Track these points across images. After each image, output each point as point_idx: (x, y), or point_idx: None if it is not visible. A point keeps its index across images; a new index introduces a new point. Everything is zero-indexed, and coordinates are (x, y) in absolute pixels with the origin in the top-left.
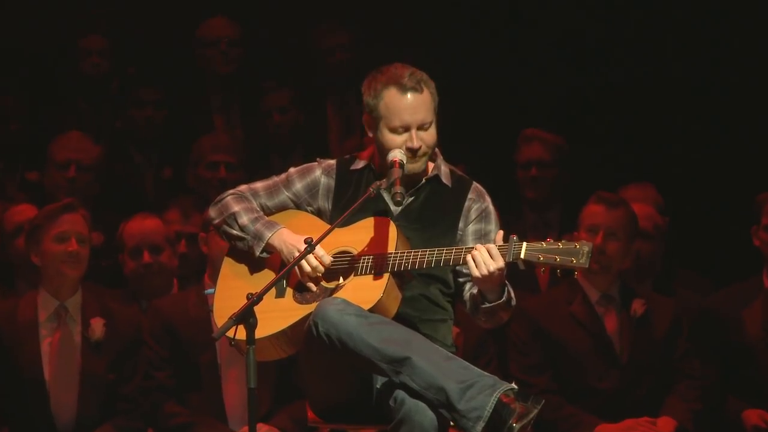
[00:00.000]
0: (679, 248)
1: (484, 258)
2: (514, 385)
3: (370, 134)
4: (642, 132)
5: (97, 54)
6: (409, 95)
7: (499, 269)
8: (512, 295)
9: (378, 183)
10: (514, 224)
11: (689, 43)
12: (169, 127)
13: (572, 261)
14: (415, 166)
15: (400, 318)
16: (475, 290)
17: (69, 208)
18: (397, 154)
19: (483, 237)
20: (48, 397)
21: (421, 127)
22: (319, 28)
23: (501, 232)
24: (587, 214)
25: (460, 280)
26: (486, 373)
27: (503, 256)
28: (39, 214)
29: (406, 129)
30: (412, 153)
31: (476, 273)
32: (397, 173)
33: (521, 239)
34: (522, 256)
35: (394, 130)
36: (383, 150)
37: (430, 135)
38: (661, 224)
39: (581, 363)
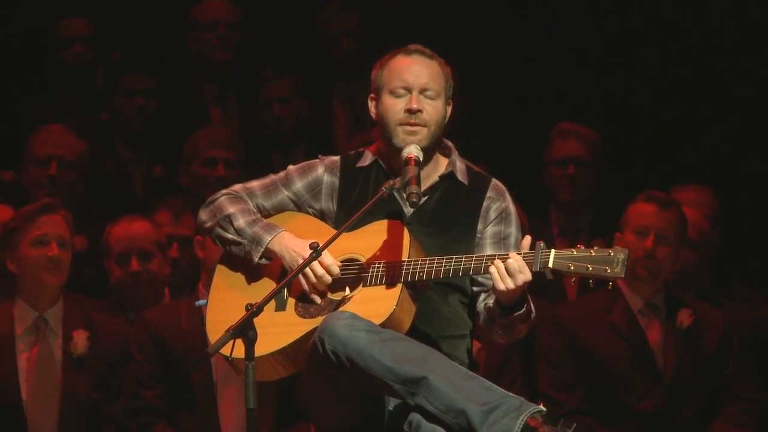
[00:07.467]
0: (732, 259)
1: (510, 269)
2: (542, 407)
3: (374, 113)
4: (689, 130)
5: (80, 41)
6: (414, 56)
7: (526, 282)
8: (532, 306)
9: (391, 182)
10: (541, 228)
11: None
12: (160, 120)
13: (606, 270)
14: (412, 140)
15: (415, 335)
16: (490, 301)
17: (49, 208)
18: (412, 150)
19: (502, 241)
20: (25, 418)
21: (424, 92)
22: (325, 11)
23: (528, 238)
24: (636, 213)
25: (476, 289)
26: (511, 393)
27: (529, 265)
28: (15, 216)
29: (408, 90)
30: (410, 115)
31: (500, 286)
32: (412, 171)
33: (549, 245)
34: (550, 265)
35: (394, 92)
36: (385, 128)
37: (434, 107)
38: (708, 232)
39: (619, 379)
